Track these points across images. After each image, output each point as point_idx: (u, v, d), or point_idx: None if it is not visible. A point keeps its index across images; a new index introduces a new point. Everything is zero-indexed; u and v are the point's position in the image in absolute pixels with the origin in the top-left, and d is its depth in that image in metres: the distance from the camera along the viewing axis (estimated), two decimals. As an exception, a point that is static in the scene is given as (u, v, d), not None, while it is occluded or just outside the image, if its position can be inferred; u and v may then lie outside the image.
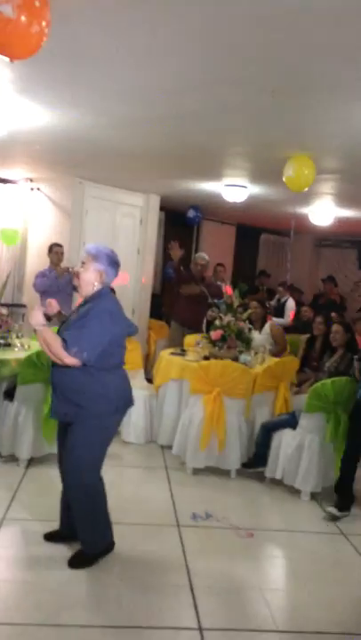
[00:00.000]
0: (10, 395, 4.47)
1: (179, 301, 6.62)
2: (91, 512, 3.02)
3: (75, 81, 3.78)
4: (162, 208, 8.85)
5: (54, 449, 3.32)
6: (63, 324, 3.01)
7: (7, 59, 2.39)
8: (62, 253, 6.71)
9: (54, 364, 2.90)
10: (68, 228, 7.59)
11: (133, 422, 5.14)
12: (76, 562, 3.01)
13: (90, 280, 2.92)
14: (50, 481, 3.92)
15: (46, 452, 4.33)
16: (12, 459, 4.38)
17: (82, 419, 2.89)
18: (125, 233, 8.28)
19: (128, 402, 3.08)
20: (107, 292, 2.98)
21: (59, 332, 2.89)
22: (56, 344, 2.74)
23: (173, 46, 3.05)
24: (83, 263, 2.95)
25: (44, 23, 2.31)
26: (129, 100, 4.07)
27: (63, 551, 3.11)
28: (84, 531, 3.04)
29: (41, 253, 7.28)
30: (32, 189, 8.01)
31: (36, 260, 7.65)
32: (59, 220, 7.76)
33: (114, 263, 2.98)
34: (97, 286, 2.94)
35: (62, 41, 3.04)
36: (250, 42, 2.88)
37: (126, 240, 8.29)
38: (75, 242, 7.53)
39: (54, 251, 6.67)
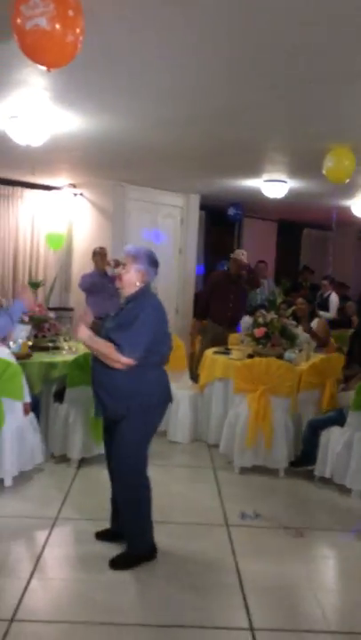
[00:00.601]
0: (60, 397, 4.57)
1: (213, 300, 6.48)
2: (138, 511, 3.05)
3: (110, 86, 3.83)
4: (202, 207, 8.85)
5: (103, 449, 3.37)
6: (106, 322, 3.06)
7: (44, 68, 2.44)
8: (105, 255, 6.80)
9: (94, 364, 2.95)
10: (111, 230, 7.69)
11: (179, 421, 5.16)
12: (119, 563, 3.03)
13: (131, 280, 2.97)
14: (100, 481, 3.97)
15: (96, 453, 4.40)
16: (64, 459, 4.47)
17: (126, 416, 2.93)
18: (167, 233, 8.32)
19: (168, 397, 3.10)
20: (149, 291, 3.02)
21: (104, 332, 2.94)
22: (110, 349, 2.81)
23: (208, 43, 3.05)
24: (123, 265, 3.00)
25: (78, 31, 2.36)
26: (165, 100, 4.10)
27: (113, 550, 3.15)
28: (133, 529, 3.08)
29: (85, 257, 7.41)
30: (75, 195, 8.16)
31: (81, 264, 7.79)
32: (101, 224, 7.88)
33: (154, 262, 3.03)
34: (138, 286, 2.98)
35: (96, 47, 3.08)
36: (288, 33, 2.85)
37: (167, 240, 8.33)
38: (117, 244, 7.60)
39: (98, 254, 6.76)
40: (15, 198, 7.88)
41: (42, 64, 2.41)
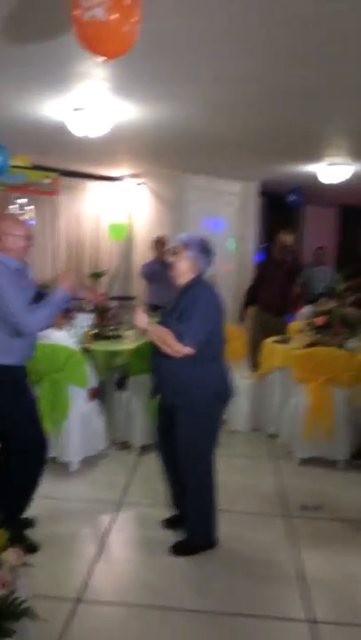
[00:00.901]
0: (122, 385, 4.66)
1: (261, 287, 6.31)
2: (205, 500, 3.06)
3: (168, 73, 3.83)
4: (262, 194, 8.73)
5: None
6: (163, 315, 3.07)
7: (103, 59, 2.47)
8: (165, 244, 6.83)
9: (154, 354, 2.97)
10: (171, 219, 7.73)
11: (239, 410, 5.15)
12: (179, 549, 3.07)
13: (184, 269, 2.93)
14: (161, 466, 4.03)
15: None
16: (126, 446, 4.57)
17: (183, 408, 2.94)
18: (226, 221, 8.27)
19: (228, 392, 3.05)
20: (203, 280, 2.97)
21: (161, 323, 2.94)
22: (169, 336, 2.80)
23: (266, 25, 2.99)
24: (175, 253, 2.97)
25: (135, 20, 2.36)
26: (224, 86, 4.05)
27: (176, 536, 3.19)
28: (196, 518, 3.09)
29: (146, 245, 7.48)
30: (137, 184, 8.25)
31: (142, 253, 7.88)
32: (161, 213, 7.93)
33: (206, 251, 2.97)
34: (191, 275, 2.94)
35: (154, 35, 3.08)
36: (350, 14, 2.75)
37: (227, 228, 8.28)
38: (177, 233, 7.60)
39: (158, 242, 6.81)
40: (79, 190, 8.05)
41: (100, 55, 2.43)
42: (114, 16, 2.31)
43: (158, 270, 6.61)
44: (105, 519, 3.45)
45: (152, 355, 3.02)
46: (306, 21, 2.90)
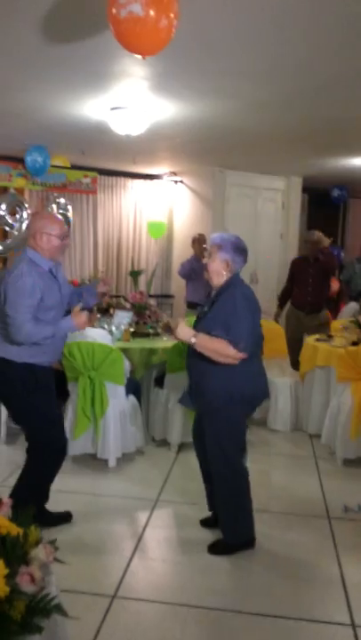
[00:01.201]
0: (160, 382, 4.66)
1: (295, 285, 6.19)
2: (233, 501, 3.03)
3: (207, 70, 3.79)
4: (304, 190, 8.58)
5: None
6: (199, 317, 3.02)
7: (139, 56, 2.46)
8: (204, 242, 6.80)
9: (189, 354, 2.94)
10: (211, 217, 7.69)
11: (280, 410, 5.07)
12: (216, 549, 3.04)
13: (218, 270, 2.89)
14: (198, 466, 4.01)
15: (195, 438, 4.43)
16: (164, 443, 4.56)
17: (209, 409, 2.91)
18: (267, 218, 8.17)
19: (258, 394, 2.99)
20: (239, 280, 2.93)
21: (199, 326, 2.90)
22: (222, 345, 2.74)
23: (307, 17, 2.92)
24: (209, 254, 2.94)
25: (172, 15, 2.34)
26: (264, 80, 3.99)
27: (213, 535, 3.17)
28: (226, 519, 3.06)
29: (186, 244, 7.47)
30: (175, 182, 8.24)
31: (182, 251, 7.87)
32: (201, 210, 7.90)
33: (240, 250, 2.92)
34: (226, 275, 2.89)
35: (192, 32, 3.05)
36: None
37: (268, 226, 8.18)
38: (216, 230, 7.50)
39: (197, 241, 6.78)
40: (118, 188, 8.11)
41: (136, 52, 2.42)
42: (151, 12, 2.29)
43: (197, 268, 6.58)
44: (141, 516, 3.45)
45: (187, 357, 3.00)
46: (349, 14, 2.82)
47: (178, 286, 7.75)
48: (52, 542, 1.28)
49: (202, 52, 3.44)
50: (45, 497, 3.21)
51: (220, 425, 2.90)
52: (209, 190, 7.75)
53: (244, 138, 5.78)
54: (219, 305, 2.85)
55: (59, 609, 1.11)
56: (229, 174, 7.70)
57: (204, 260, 3.00)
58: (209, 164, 7.49)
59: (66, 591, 2.58)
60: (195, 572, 2.88)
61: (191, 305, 6.51)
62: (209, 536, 3.17)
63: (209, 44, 3.30)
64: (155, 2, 2.26)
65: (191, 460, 4.29)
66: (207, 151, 6.65)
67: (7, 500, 1.32)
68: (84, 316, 2.94)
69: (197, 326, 2.92)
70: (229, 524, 3.06)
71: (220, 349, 2.75)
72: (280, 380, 5.07)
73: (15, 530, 1.20)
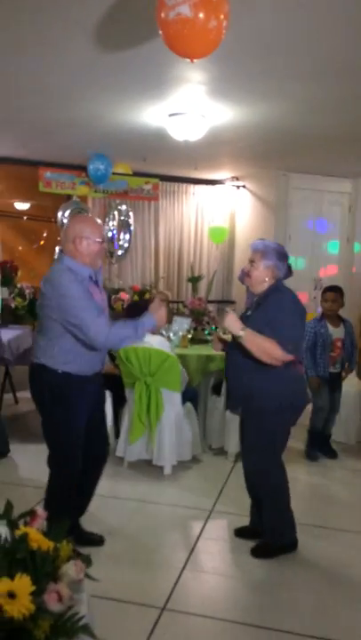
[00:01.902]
0: (218, 389, 4.60)
1: None
2: (275, 505, 3.02)
3: (263, 71, 3.71)
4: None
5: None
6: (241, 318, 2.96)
7: (188, 60, 2.42)
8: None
9: (229, 358, 2.90)
10: (273, 221, 7.55)
11: (343, 421, 4.88)
12: (260, 551, 3.03)
13: (261, 277, 2.87)
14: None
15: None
16: (221, 452, 4.49)
17: (249, 415, 2.90)
18: (333, 222, 7.92)
19: (298, 402, 2.94)
20: (283, 286, 2.90)
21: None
22: (271, 345, 2.70)
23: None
24: (252, 262, 2.89)
25: (222, 17, 2.28)
26: (325, 79, 3.86)
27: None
28: (271, 518, 3.03)
29: (248, 250, 7.34)
30: (238, 187, 8.16)
31: (244, 256, 7.76)
32: (263, 215, 7.77)
33: (283, 256, 2.89)
34: (268, 282, 2.87)
35: (248, 34, 2.99)
36: None
37: (334, 229, 7.93)
38: (280, 235, 7.44)
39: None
40: (180, 194, 8.12)
41: (185, 55, 2.38)
42: (200, 13, 2.25)
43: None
44: (195, 527, 3.39)
45: (227, 359, 2.95)
46: None
47: (239, 292, 7.65)
48: (85, 558, 1.24)
49: (258, 53, 3.37)
50: (80, 510, 3.03)
51: (265, 429, 2.87)
52: (272, 194, 7.62)
53: (307, 139, 5.62)
54: (266, 307, 2.82)
55: (86, 630, 1.07)
56: (293, 177, 7.53)
57: (246, 267, 2.94)
58: (272, 168, 7.36)
59: (115, 600, 2.60)
60: (248, 588, 2.79)
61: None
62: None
63: (265, 44, 3.23)
64: (204, 3, 2.21)
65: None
66: (269, 154, 6.53)
67: (42, 513, 1.30)
68: (163, 309, 2.77)
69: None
70: (275, 526, 3.03)
71: (268, 348, 2.70)
72: (346, 389, 4.87)
73: (46, 544, 1.17)
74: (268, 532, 3.05)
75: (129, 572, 2.87)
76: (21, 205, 9.50)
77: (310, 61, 3.51)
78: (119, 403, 4.47)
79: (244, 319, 2.90)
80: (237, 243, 8.27)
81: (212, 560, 3.07)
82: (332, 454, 4.55)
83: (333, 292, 4.54)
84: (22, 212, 9.67)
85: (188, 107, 4.49)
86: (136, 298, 6.55)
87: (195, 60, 2.50)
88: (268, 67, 3.61)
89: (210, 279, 7.06)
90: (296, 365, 2.87)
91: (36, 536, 1.19)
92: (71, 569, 1.15)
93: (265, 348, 2.71)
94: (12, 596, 1.01)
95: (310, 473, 4.26)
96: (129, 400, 4.19)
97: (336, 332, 4.50)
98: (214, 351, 3.22)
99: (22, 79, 4.04)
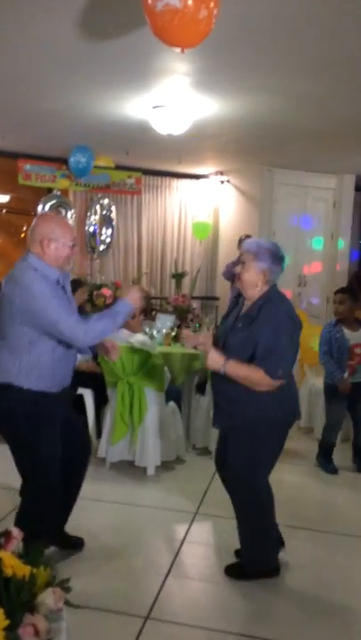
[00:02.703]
0: (202, 388, 4.52)
1: None
2: (251, 525, 2.80)
3: (252, 64, 3.63)
4: (358, 188, 8.23)
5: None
6: (224, 329, 2.77)
7: (178, 50, 2.32)
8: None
9: (212, 375, 2.72)
10: (258, 217, 7.49)
11: None
12: (233, 571, 2.83)
13: (252, 281, 2.60)
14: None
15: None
16: (206, 451, 4.42)
17: (235, 431, 2.69)
18: (317, 218, 7.89)
19: (291, 414, 2.75)
20: (277, 293, 2.65)
21: (230, 340, 2.66)
22: (256, 374, 2.50)
23: (356, 7, 2.71)
24: (243, 263, 2.63)
25: (212, 4, 2.19)
26: (312, 73, 3.79)
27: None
28: (244, 544, 2.83)
29: (231, 245, 7.29)
30: (222, 182, 8.08)
31: (227, 252, 7.69)
32: (248, 210, 7.70)
33: (278, 259, 2.63)
34: (261, 287, 2.61)
35: (235, 24, 2.90)
36: None
37: (318, 225, 7.90)
38: (264, 231, 7.39)
39: (244, 242, 6.59)
40: (163, 188, 8.01)
41: (175, 45, 2.29)
42: (189, 2, 2.15)
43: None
44: (179, 530, 3.31)
45: (211, 375, 2.79)
46: None
47: (223, 288, 7.58)
48: (63, 584, 1.15)
49: (245, 45, 3.28)
50: (62, 519, 2.89)
51: (248, 448, 2.66)
52: (256, 189, 7.55)
53: (293, 134, 5.56)
54: (259, 325, 2.54)
55: (65, 666, 0.98)
56: (277, 173, 7.47)
57: (237, 269, 2.68)
58: (256, 163, 7.29)
59: (97, 609, 2.51)
60: (235, 595, 2.71)
61: None
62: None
63: (252, 36, 3.14)
64: (193, -9, 2.11)
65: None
66: (254, 149, 6.46)
67: (16, 533, 1.20)
68: (136, 289, 2.62)
69: (230, 339, 2.66)
70: (247, 550, 2.82)
71: (255, 379, 2.50)
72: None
73: (22, 570, 1.08)
74: (245, 557, 2.83)
75: (110, 578, 2.79)
76: (0, 198, 9.29)
77: (297, 55, 3.43)
78: (101, 402, 4.38)
79: (234, 330, 2.66)
80: (221, 238, 8.19)
81: (197, 565, 3.00)
82: None
83: (341, 294, 4.27)
84: (1, 205, 9.45)
85: (173, 99, 4.39)
86: (118, 294, 6.44)
87: (185, 50, 2.40)
88: (254, 59, 3.53)
89: (194, 275, 6.98)
90: (289, 377, 2.64)
91: (11, 561, 1.09)
92: (49, 597, 1.06)
93: (251, 380, 2.52)
94: (-17, 633, 0.92)
95: (301, 473, 4.22)
96: (111, 400, 4.10)
97: (355, 337, 4.18)
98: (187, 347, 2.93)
99: (0, 67, 3.89)
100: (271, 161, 7.15)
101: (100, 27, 3.10)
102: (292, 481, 4.07)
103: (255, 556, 2.82)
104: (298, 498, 3.80)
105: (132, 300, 2.59)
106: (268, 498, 2.78)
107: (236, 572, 2.83)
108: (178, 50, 2.35)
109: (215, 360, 2.56)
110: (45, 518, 2.63)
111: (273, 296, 2.61)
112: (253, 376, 2.50)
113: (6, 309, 2.44)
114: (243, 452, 2.68)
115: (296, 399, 2.80)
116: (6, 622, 0.96)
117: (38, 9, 2.91)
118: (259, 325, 2.54)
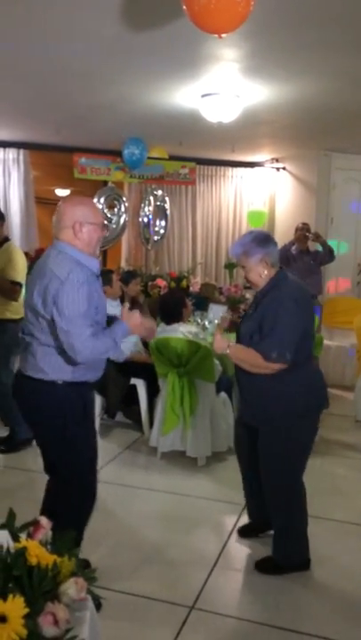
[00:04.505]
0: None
1: None
2: (289, 523, 2.78)
3: (301, 44, 3.50)
4: None
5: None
6: (244, 321, 2.80)
7: (215, 35, 2.28)
8: (308, 230, 6.45)
9: (236, 366, 2.73)
10: (314, 204, 7.29)
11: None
12: (264, 566, 2.81)
13: (258, 273, 2.63)
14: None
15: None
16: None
17: (265, 424, 2.69)
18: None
19: (317, 403, 2.71)
20: (283, 278, 2.64)
21: (243, 330, 2.72)
22: (256, 358, 2.54)
23: None
24: (242, 267, 2.70)
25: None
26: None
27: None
28: (278, 538, 2.81)
29: (288, 234, 7.13)
30: (278, 169, 7.92)
31: (284, 241, 7.50)
32: (304, 198, 7.52)
33: (266, 239, 2.66)
34: (266, 274, 2.62)
35: (282, 6, 2.81)
36: None
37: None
38: (321, 218, 7.20)
39: (300, 230, 6.43)
40: (218, 178, 7.94)
41: (211, 31, 2.24)
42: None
43: (295, 255, 6.26)
44: (228, 521, 3.30)
45: (235, 369, 2.80)
46: None
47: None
48: (89, 573, 1.16)
49: (292, 24, 3.17)
50: None
51: (279, 440, 2.66)
52: (313, 176, 7.34)
53: (349, 117, 5.35)
54: (262, 308, 2.62)
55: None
56: (335, 157, 7.23)
57: (245, 275, 2.74)
58: (313, 148, 7.08)
59: (143, 597, 2.56)
60: (279, 589, 2.68)
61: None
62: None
63: (299, 14, 3.02)
64: (229, -27, 2.06)
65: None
66: (310, 134, 6.27)
67: (46, 523, 1.23)
68: (136, 314, 2.42)
69: (241, 327, 2.76)
70: (287, 543, 2.80)
71: (250, 360, 2.58)
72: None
73: (46, 560, 1.10)
74: (278, 550, 2.81)
75: (158, 567, 2.82)
76: (62, 192, 9.50)
77: (351, 31, 3.28)
78: (153, 392, 4.42)
79: (244, 318, 2.78)
80: (277, 227, 8.04)
81: (244, 558, 2.98)
82: None
83: None
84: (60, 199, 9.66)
85: (221, 86, 4.32)
86: (173, 284, 6.45)
87: (223, 36, 2.35)
88: (303, 39, 3.40)
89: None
90: (300, 369, 2.60)
91: (37, 550, 1.12)
92: (72, 587, 1.08)
93: (250, 362, 2.59)
94: (2, 619, 0.95)
95: (351, 467, 4.11)
96: (162, 390, 4.12)
97: None
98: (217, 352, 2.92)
99: (52, 65, 3.96)
100: (328, 145, 6.93)
101: (145, 16, 3.08)
102: (345, 475, 3.98)
103: (290, 550, 2.81)
104: (349, 492, 3.71)
105: (132, 325, 2.42)
106: (303, 490, 2.78)
107: (269, 567, 2.81)
108: (215, 36, 2.30)
109: (219, 345, 2.71)
110: (88, 513, 2.56)
111: (278, 281, 2.65)
112: (251, 359, 2.58)
113: (38, 305, 2.28)
114: (272, 447, 2.68)
115: (323, 386, 2.77)
116: (26, 610, 0.98)
117: (84, 2, 2.93)
118: (263, 308, 2.61)
